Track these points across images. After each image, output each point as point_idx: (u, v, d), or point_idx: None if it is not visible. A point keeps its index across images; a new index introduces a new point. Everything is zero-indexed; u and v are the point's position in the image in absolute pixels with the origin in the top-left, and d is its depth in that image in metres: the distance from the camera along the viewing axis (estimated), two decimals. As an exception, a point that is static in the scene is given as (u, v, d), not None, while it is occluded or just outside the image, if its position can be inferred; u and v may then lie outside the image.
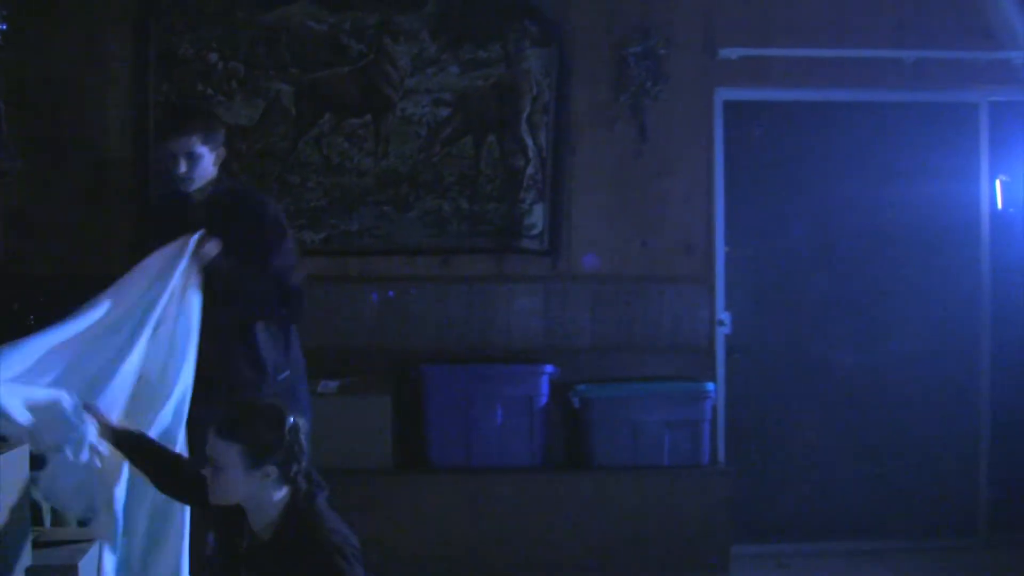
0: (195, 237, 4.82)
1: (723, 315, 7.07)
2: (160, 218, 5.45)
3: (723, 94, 7.14)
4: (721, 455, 7.00)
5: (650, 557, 6.57)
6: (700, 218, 7.09)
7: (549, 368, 6.71)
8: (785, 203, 7.31)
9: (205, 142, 5.16)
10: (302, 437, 3.78)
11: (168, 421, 4.52)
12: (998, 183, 7.38)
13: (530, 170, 6.99)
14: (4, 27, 5.74)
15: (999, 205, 7.39)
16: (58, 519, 5.61)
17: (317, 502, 3.76)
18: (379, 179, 6.96)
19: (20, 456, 4.14)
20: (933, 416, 7.37)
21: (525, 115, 6.98)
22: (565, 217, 7.03)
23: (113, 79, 6.88)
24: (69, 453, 4.15)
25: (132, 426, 4.31)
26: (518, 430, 6.67)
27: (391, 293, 6.98)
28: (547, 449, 6.75)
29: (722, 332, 7.07)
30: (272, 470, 3.71)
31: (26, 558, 4.04)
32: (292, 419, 3.78)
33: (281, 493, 3.75)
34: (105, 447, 4.26)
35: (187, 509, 4.48)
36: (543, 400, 6.68)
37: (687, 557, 6.58)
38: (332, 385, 6.59)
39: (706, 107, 7.12)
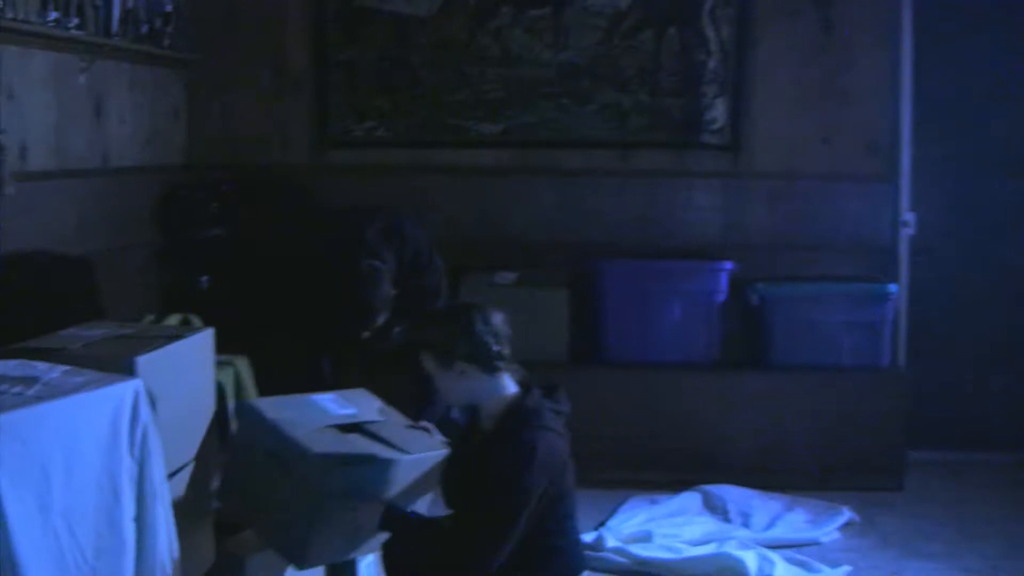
0: None
1: (907, 216, 6.88)
2: None
3: (913, -15, 6.91)
4: (901, 358, 6.86)
5: (823, 458, 6.51)
6: (885, 116, 6.89)
7: (728, 265, 6.64)
8: (978, 103, 7.05)
9: None
10: (482, 328, 3.77)
11: None
12: None
13: (712, 64, 6.88)
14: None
15: None
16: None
17: (545, 409, 3.74)
18: (558, 71, 6.92)
19: (205, 339, 4.23)
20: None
21: (707, 8, 6.86)
22: (746, 112, 6.91)
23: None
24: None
25: None
26: (695, 326, 6.63)
27: (569, 187, 6.95)
28: (724, 346, 6.71)
29: (906, 233, 6.89)
30: (463, 365, 3.74)
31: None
32: (473, 314, 3.80)
33: (511, 389, 3.77)
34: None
35: None
36: (721, 297, 6.63)
37: (861, 460, 6.52)
38: (509, 276, 6.60)
39: (894, -1, 6.90)
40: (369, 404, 4.27)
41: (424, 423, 4.22)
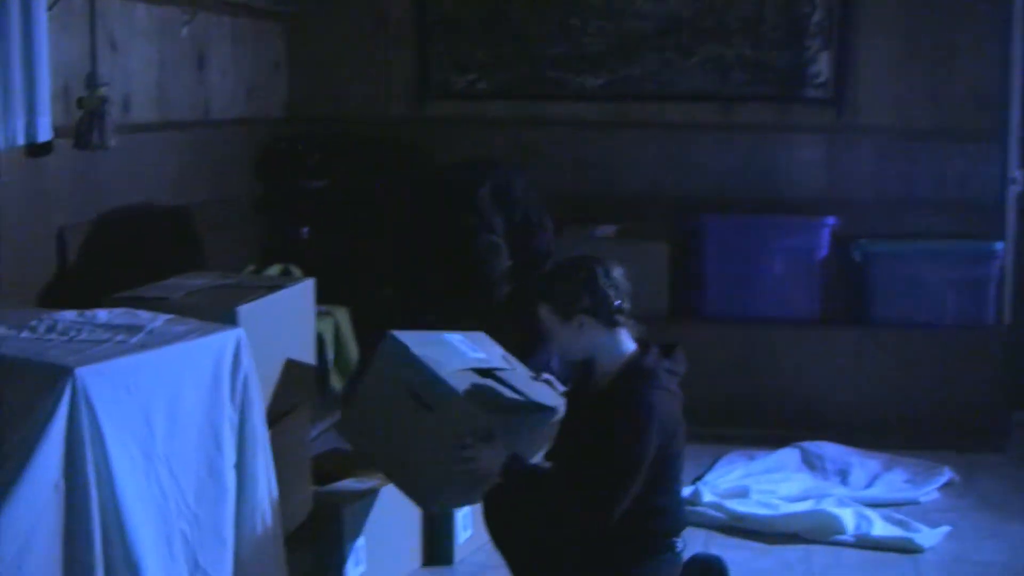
0: None
1: (1015, 173, 6.73)
2: None
3: (1026, -68, 6.72)
4: (1007, 317, 6.72)
5: (923, 417, 6.42)
6: (993, 69, 6.71)
7: (831, 220, 6.58)
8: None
9: None
10: (604, 281, 3.74)
11: None
12: None
13: (816, 17, 6.77)
14: None
15: None
16: (340, 354, 5.79)
17: (661, 369, 3.72)
18: (660, 24, 6.85)
19: (305, 289, 4.25)
20: None
21: (813, -40, 6.77)
22: (851, 66, 6.79)
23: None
24: None
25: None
26: (796, 282, 6.58)
27: (671, 141, 6.90)
28: (825, 302, 6.64)
29: (1013, 190, 6.74)
30: (584, 319, 3.71)
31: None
32: (595, 267, 3.76)
33: (629, 346, 3.75)
34: None
35: None
36: (823, 252, 6.57)
37: (962, 419, 6.40)
38: (609, 230, 6.59)
39: (1007, -53, 6.72)
40: (493, 350, 4.27)
41: (546, 375, 4.22)
